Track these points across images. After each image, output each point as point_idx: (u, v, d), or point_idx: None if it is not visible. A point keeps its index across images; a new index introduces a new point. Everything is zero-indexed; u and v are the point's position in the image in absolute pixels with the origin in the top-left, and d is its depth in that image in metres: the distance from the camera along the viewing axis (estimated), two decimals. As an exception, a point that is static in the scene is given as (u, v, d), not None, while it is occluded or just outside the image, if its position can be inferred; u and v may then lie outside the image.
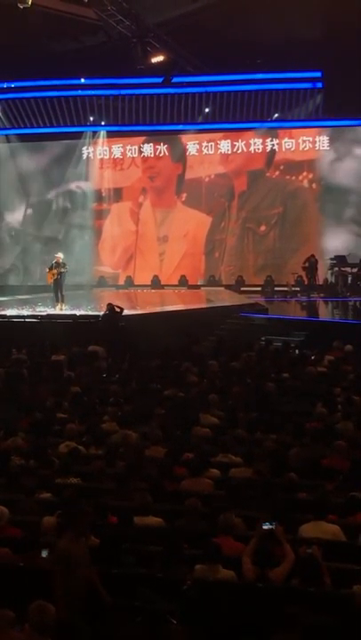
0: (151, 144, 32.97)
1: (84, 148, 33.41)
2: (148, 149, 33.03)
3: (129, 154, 33.26)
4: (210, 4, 27.79)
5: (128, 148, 33.22)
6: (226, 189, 32.49)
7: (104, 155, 33.45)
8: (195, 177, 32.79)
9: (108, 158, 33.46)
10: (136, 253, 33.45)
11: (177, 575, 7.54)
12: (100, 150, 33.40)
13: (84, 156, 33.44)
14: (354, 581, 7.33)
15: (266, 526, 7.90)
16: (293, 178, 31.83)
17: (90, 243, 33.54)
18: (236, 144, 32.07)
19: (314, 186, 31.67)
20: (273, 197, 31.94)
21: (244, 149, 31.99)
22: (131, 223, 33.62)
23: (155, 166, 33.22)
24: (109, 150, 33.38)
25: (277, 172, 31.94)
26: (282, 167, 31.84)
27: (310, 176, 31.61)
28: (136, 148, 33.14)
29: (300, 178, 31.77)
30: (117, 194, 33.72)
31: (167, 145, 32.84)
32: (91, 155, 33.46)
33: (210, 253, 32.67)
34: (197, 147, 32.47)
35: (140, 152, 33.11)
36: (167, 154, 32.87)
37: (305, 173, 31.67)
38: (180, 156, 32.83)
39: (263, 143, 31.70)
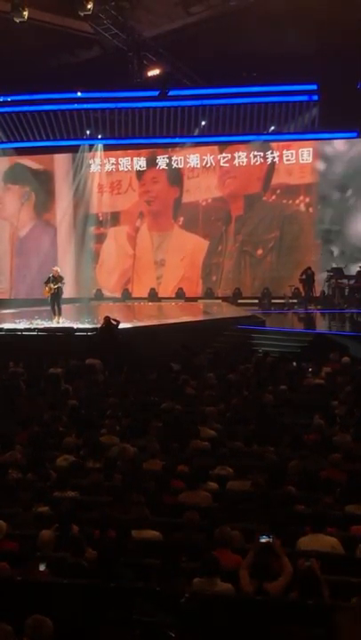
0: (148, 157, 33.07)
1: (82, 161, 33.47)
2: (144, 163, 33.10)
3: (127, 167, 33.30)
4: (205, 17, 27.90)
5: (125, 160, 33.28)
6: (223, 213, 32.51)
7: (101, 168, 33.50)
8: (192, 201, 32.83)
9: (104, 171, 33.50)
10: (133, 277, 33.50)
11: (175, 588, 7.51)
12: (97, 163, 33.46)
13: (82, 169, 33.49)
14: (352, 594, 7.31)
15: (263, 539, 7.88)
16: (290, 202, 31.77)
17: (88, 265, 33.61)
18: (228, 156, 32.07)
19: (311, 210, 31.65)
20: (270, 221, 31.92)
21: (240, 162, 31.99)
22: (128, 247, 33.66)
23: (152, 190, 33.26)
24: (108, 162, 33.44)
25: (274, 197, 31.89)
26: (278, 191, 31.80)
27: (307, 200, 31.59)
28: (134, 160, 33.21)
29: (297, 202, 31.73)
30: (115, 218, 33.80)
31: (165, 156, 32.89)
32: (88, 167, 33.51)
33: (207, 277, 32.68)
34: (197, 159, 32.49)
35: (138, 165, 33.17)
36: (164, 167, 32.91)
37: (301, 197, 31.64)
38: (176, 178, 32.87)
39: (263, 157, 31.65)
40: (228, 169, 32.25)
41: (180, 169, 32.85)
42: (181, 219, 33.04)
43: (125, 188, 33.53)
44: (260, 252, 32.11)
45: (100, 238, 33.88)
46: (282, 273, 31.48)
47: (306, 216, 31.73)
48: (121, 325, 21.62)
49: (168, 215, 33.20)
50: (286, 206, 31.84)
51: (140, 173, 33.27)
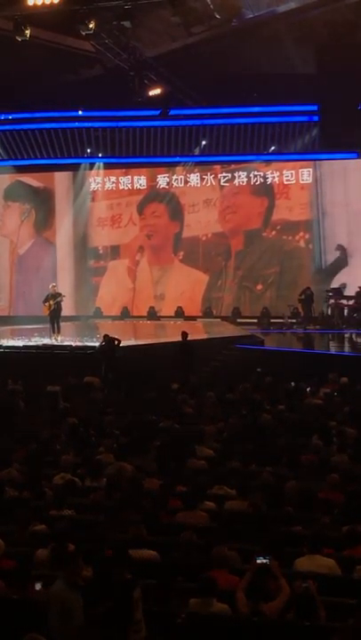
0: (148, 176, 33.20)
1: (82, 180, 33.56)
2: (144, 182, 33.22)
3: (127, 186, 33.39)
4: (207, 37, 27.98)
5: (126, 179, 33.39)
6: (223, 248, 32.56)
7: (101, 186, 33.60)
8: (192, 235, 32.90)
9: (105, 190, 33.62)
10: (133, 311, 33.42)
11: (171, 609, 7.48)
12: (98, 182, 33.56)
13: (82, 188, 33.57)
14: (349, 615, 7.27)
15: (260, 560, 7.84)
16: (290, 238, 31.79)
17: (88, 298, 33.68)
18: (229, 175, 32.26)
19: (310, 246, 31.63)
20: (270, 257, 31.96)
21: (240, 182, 32.06)
22: (128, 281, 33.71)
23: (152, 224, 33.34)
24: (108, 181, 33.55)
25: (274, 232, 31.95)
26: (278, 227, 31.87)
27: (306, 236, 31.60)
28: (134, 179, 33.32)
29: (297, 238, 31.74)
30: (115, 251, 33.88)
31: (165, 175, 32.97)
32: (89, 186, 33.60)
33: (207, 311, 32.51)
34: (197, 178, 32.61)
35: (138, 184, 33.27)
36: (165, 186, 32.99)
37: (301, 234, 31.66)
38: (176, 212, 33.00)
39: (264, 177, 31.75)
40: (229, 204, 32.35)
41: (180, 205, 32.95)
42: (182, 253, 33.09)
43: (126, 221, 33.61)
44: (259, 287, 32.13)
45: (100, 271, 33.94)
46: (282, 292, 31.50)
47: (305, 252, 31.71)
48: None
49: (168, 249, 33.26)
50: (286, 242, 31.86)
51: (140, 207, 33.37)
